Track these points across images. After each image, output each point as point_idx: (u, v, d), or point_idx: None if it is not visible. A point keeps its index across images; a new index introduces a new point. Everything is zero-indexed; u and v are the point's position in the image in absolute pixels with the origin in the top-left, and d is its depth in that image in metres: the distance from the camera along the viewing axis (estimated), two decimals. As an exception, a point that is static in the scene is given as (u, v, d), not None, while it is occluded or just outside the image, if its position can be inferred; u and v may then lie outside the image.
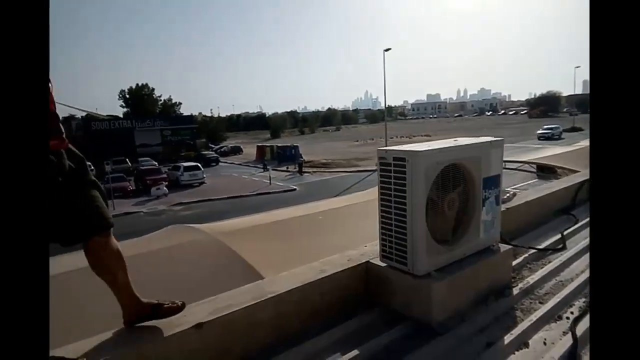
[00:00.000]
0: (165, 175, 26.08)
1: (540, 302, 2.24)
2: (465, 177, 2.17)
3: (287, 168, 32.19)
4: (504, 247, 2.44)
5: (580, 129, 46.80)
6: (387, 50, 31.58)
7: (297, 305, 2.03)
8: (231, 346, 1.79)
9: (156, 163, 32.31)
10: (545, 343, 1.87)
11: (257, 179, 28.23)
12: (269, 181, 25.59)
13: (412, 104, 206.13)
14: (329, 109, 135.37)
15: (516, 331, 1.95)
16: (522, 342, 1.88)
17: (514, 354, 1.82)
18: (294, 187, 24.24)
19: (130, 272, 1.59)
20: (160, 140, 42.56)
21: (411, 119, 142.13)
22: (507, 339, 1.89)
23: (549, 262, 2.77)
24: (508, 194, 3.72)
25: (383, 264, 2.24)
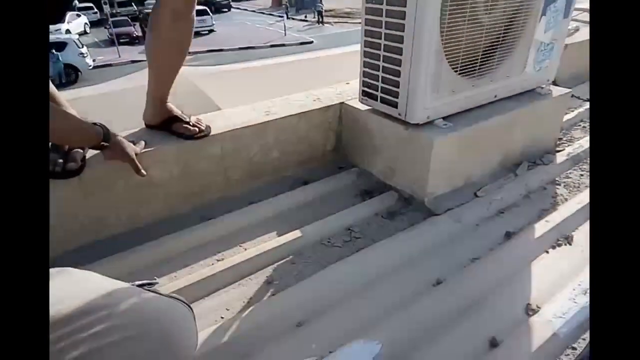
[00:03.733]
0: (172, 20, 23.95)
1: (599, 176, 1.48)
2: (525, -50, 1.18)
3: (305, 17, 29.06)
4: (558, 92, 1.57)
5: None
6: None
7: (214, 163, 1.33)
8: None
9: (163, 6, 29.35)
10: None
11: (271, 28, 25.76)
12: (283, 31, 23.31)
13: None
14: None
15: (554, 217, 1.25)
16: (561, 236, 1.19)
17: (547, 252, 1.14)
18: (311, 39, 22.09)
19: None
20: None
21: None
22: (539, 228, 1.20)
23: (615, 121, 1.92)
24: (569, 28, 2.63)
25: (363, 107, 1.44)
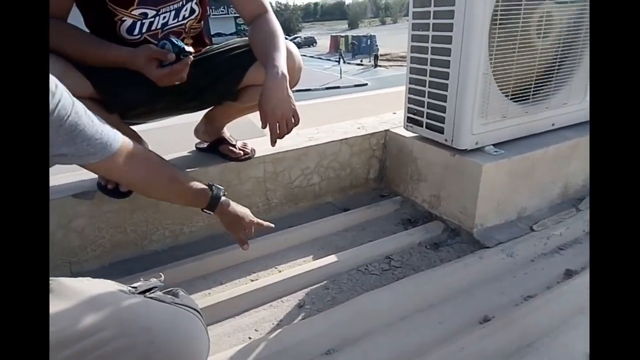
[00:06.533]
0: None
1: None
2: (581, -28, 1.13)
3: (361, 61, 30.05)
4: (627, 122, 1.44)
5: None
6: None
7: (255, 185, 1.35)
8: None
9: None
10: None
11: (327, 72, 26.86)
12: (339, 75, 24.18)
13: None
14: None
15: (627, 257, 1.10)
16: (636, 278, 1.03)
17: (618, 295, 0.99)
18: (365, 82, 22.66)
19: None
20: (235, 29, 41.79)
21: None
22: (608, 268, 1.05)
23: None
24: None
25: (408, 134, 1.41)
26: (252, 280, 1.10)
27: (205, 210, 0.91)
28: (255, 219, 0.98)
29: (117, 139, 0.70)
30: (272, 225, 1.02)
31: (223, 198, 0.92)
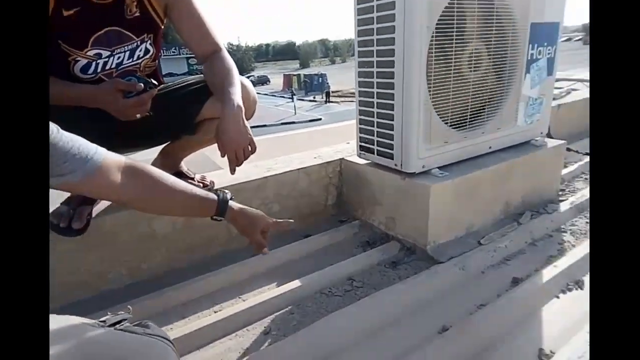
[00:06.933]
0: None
1: (605, 223, 1.45)
2: (500, 15, 1.30)
3: (314, 98, 30.99)
4: (552, 143, 1.62)
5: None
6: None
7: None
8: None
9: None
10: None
11: (282, 108, 27.37)
12: (294, 111, 24.70)
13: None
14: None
15: (562, 262, 1.21)
16: (572, 280, 1.14)
17: (557, 297, 1.09)
18: (319, 116, 23.29)
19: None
20: (187, 69, 41.75)
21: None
22: (548, 274, 1.16)
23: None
24: (560, 90, 2.78)
25: (361, 162, 1.49)
26: (215, 312, 1.09)
27: (215, 217, 0.85)
28: (271, 219, 0.95)
29: (99, 152, 0.66)
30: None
31: (231, 201, 0.88)
